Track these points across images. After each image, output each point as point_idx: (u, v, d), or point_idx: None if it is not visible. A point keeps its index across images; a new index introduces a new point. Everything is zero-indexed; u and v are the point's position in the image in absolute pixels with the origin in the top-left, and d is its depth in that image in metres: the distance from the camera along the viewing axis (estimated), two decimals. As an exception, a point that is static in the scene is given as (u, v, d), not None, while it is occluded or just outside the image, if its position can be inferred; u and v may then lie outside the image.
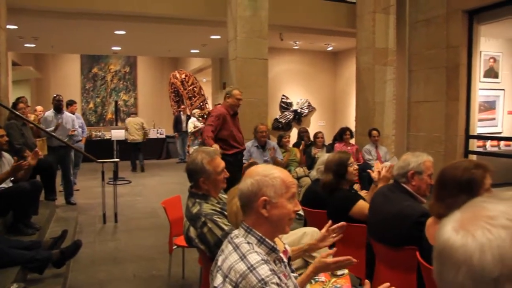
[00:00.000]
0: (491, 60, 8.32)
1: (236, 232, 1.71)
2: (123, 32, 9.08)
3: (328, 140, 7.96)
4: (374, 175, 3.31)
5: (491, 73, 8.34)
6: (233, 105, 5.33)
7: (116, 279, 4.16)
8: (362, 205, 3.04)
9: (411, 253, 2.32)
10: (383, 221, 2.60)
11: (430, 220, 2.20)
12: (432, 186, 2.44)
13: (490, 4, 6.64)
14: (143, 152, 11.14)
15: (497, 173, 7.01)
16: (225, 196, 2.69)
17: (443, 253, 0.72)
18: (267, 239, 1.65)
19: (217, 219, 2.43)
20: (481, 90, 7.64)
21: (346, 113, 11.26)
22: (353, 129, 7.44)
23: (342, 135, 7.06)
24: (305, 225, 3.71)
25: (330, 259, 2.10)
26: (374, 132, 6.70)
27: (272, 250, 1.66)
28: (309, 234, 2.79)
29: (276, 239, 1.85)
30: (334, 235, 2.25)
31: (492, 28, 7.53)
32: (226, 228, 2.38)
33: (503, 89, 8.66)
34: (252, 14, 6.28)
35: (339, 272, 2.41)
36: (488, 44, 8.15)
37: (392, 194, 2.68)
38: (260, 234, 1.64)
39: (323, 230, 2.26)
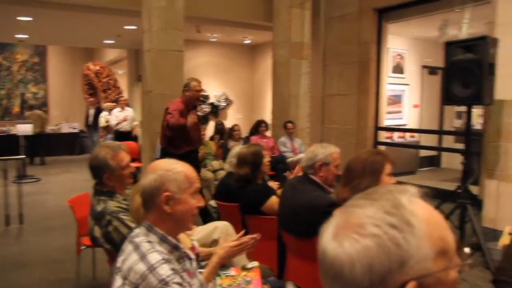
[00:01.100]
0: (398, 57, 8.81)
1: (137, 231, 1.64)
2: (29, 19, 8.48)
3: (245, 133, 8.02)
4: (291, 177, 3.36)
5: (398, 69, 8.84)
6: (192, 98, 5.01)
7: (18, 286, 3.88)
8: (274, 201, 3.07)
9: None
10: (293, 212, 2.64)
11: (338, 210, 2.26)
12: (339, 176, 2.52)
13: (397, 4, 7.03)
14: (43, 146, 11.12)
15: (403, 162, 7.44)
16: (132, 191, 2.60)
17: (322, 264, 0.71)
18: (169, 237, 1.60)
19: (123, 217, 2.34)
20: (389, 84, 8.08)
21: (262, 106, 11.41)
22: (269, 121, 7.54)
23: (257, 127, 7.13)
24: (218, 218, 3.70)
25: (233, 242, 2.09)
26: (289, 125, 6.83)
27: (175, 248, 1.62)
28: (220, 228, 2.77)
29: (183, 236, 1.82)
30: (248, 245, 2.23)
31: (399, 27, 7.96)
32: (132, 225, 2.29)
33: (408, 84, 9.21)
34: (167, 4, 6.12)
35: (249, 265, 2.41)
36: (396, 42, 8.62)
37: (301, 185, 2.73)
38: (162, 232, 1.59)
39: (235, 239, 2.22)
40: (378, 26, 7.40)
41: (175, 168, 1.62)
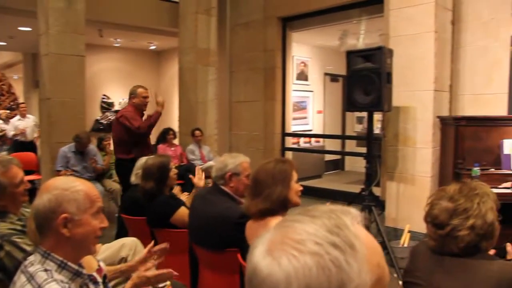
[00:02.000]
0: (302, 64, 9.08)
1: (31, 258, 1.46)
2: None
3: (152, 141, 7.77)
4: (196, 180, 3.27)
5: (302, 76, 9.11)
6: (140, 105, 4.87)
7: None
8: (184, 212, 2.96)
9: (233, 256, 2.33)
10: (204, 225, 2.56)
11: (250, 221, 2.23)
12: (250, 186, 2.49)
13: (300, 13, 7.24)
14: None
15: (310, 166, 7.63)
16: (29, 210, 2.35)
17: (252, 281, 0.65)
18: (69, 263, 1.45)
19: (17, 240, 2.09)
20: (294, 91, 8.30)
21: (169, 113, 11.12)
22: (176, 129, 7.38)
23: (165, 135, 6.95)
24: (124, 234, 3.50)
25: (150, 273, 1.99)
26: (197, 132, 6.74)
27: (77, 274, 1.46)
28: (128, 245, 2.61)
29: (88, 257, 1.66)
30: (155, 257, 2.13)
31: (302, 35, 8.21)
32: (28, 249, 2.06)
33: (312, 91, 9.54)
34: (66, 6, 5.74)
35: (160, 285, 2.29)
36: (300, 50, 8.88)
37: (211, 196, 2.66)
38: (61, 258, 1.43)
39: (145, 251, 2.12)
40: (283, 34, 7.57)
41: (74, 187, 1.47)
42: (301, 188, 2.26)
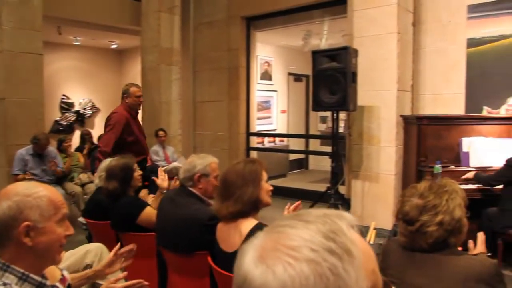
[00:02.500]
0: (266, 64, 9.11)
1: None
2: None
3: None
4: (159, 182, 3.20)
5: (266, 75, 9.14)
6: (134, 105, 4.64)
7: None
8: (150, 212, 2.90)
9: (203, 258, 2.29)
10: (172, 228, 2.51)
11: (221, 224, 2.19)
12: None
13: (264, 13, 7.25)
14: None
15: (274, 165, 7.66)
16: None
17: None
18: (31, 275, 1.36)
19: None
20: (259, 91, 8.31)
21: (133, 113, 10.97)
22: (140, 130, 7.24)
23: (129, 136, 6.81)
24: (89, 240, 3.39)
25: (120, 285, 1.92)
26: (161, 132, 6.64)
27: (40, 286, 1.38)
28: (92, 251, 2.52)
29: (50, 267, 1.58)
30: (123, 259, 2.07)
31: (266, 35, 8.23)
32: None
33: (276, 91, 9.58)
34: (21, 1, 5.52)
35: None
36: (264, 50, 8.90)
37: (180, 198, 2.61)
38: (22, 270, 1.34)
39: (111, 254, 2.04)
40: (247, 34, 7.56)
41: (36, 192, 1.38)
42: (271, 187, 2.25)
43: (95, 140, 7.44)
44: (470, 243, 2.00)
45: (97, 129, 9.93)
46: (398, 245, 1.77)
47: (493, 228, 3.85)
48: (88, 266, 2.41)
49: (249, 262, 0.61)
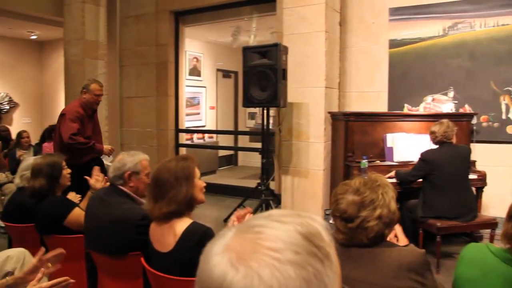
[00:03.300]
0: (195, 60, 9.01)
1: None
2: None
3: (36, 139, 7.18)
4: (92, 182, 3.04)
5: (195, 71, 9.04)
6: (91, 103, 4.38)
7: None
8: (79, 213, 2.75)
9: (136, 260, 2.21)
10: (102, 229, 2.39)
11: (154, 223, 2.12)
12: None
13: (192, 8, 7.15)
14: None
15: (204, 162, 7.60)
16: None
17: None
18: None
19: None
20: (187, 87, 8.21)
21: (55, 109, 10.36)
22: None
23: (50, 133, 6.44)
24: (9, 245, 3.16)
25: (44, 284, 1.80)
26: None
27: None
28: (14, 257, 2.34)
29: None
30: (49, 265, 1.94)
31: (195, 30, 8.14)
32: None
33: (205, 87, 9.51)
34: None
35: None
36: (192, 45, 8.80)
37: (110, 198, 2.49)
38: None
39: (34, 260, 1.90)
40: (175, 29, 7.43)
41: None
42: (204, 184, 2.22)
43: (14, 137, 6.96)
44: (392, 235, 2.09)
45: (15, 126, 9.34)
46: (333, 241, 1.79)
47: (414, 218, 4.07)
48: (9, 273, 2.24)
49: (224, 264, 0.56)
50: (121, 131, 7.90)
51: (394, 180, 4.22)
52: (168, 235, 2.01)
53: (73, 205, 2.85)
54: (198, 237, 1.96)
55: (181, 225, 2.00)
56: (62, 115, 4.37)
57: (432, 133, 4.01)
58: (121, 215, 2.37)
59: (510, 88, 4.89)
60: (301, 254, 0.56)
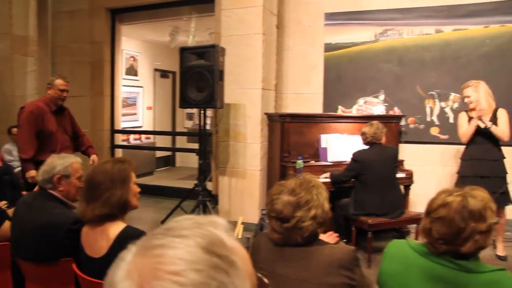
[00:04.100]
0: (132, 59, 8.83)
1: None
2: None
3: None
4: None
5: (132, 71, 8.86)
6: (55, 98, 4.15)
7: None
8: (8, 226, 2.58)
9: (67, 266, 2.13)
10: (30, 236, 2.26)
11: (86, 228, 2.06)
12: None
13: (129, 6, 7.01)
14: None
15: (141, 163, 7.46)
16: None
17: None
18: None
19: None
20: (124, 86, 8.02)
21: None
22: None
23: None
24: None
25: None
26: (14, 130, 6.02)
27: None
28: None
29: None
30: None
31: (132, 29, 7.97)
32: None
33: (142, 87, 9.34)
34: None
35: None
36: (129, 44, 8.61)
37: (38, 203, 2.38)
38: None
39: None
40: (111, 27, 7.24)
41: None
42: (139, 189, 2.18)
43: None
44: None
45: None
46: (268, 240, 1.83)
47: (346, 216, 4.23)
48: None
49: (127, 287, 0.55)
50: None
51: (328, 180, 4.36)
52: (100, 239, 1.96)
53: (3, 218, 2.67)
54: (132, 242, 1.92)
55: (115, 229, 1.96)
56: (22, 108, 4.20)
57: (363, 134, 4.18)
58: (51, 220, 2.27)
59: (433, 93, 5.21)
60: (204, 271, 0.55)
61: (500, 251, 4.28)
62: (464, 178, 4.20)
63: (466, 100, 4.21)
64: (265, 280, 1.38)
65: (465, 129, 4.21)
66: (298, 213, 1.70)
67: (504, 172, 4.08)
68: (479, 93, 4.11)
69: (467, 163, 4.24)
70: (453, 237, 1.53)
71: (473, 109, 4.17)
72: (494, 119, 4.09)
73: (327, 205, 1.78)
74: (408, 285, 1.61)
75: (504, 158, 4.12)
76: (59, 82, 4.31)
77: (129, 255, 0.60)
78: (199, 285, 0.54)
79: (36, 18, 6.54)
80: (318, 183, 1.83)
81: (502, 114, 4.10)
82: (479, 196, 1.57)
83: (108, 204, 1.96)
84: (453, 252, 1.55)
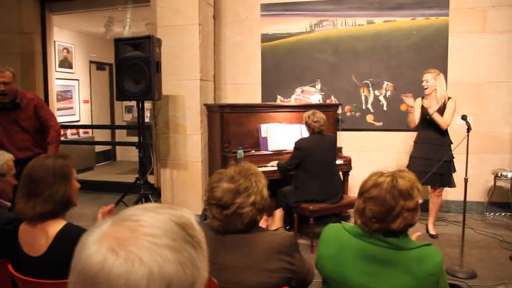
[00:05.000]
0: (65, 51, 8.49)
1: None
2: None
3: None
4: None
5: (66, 63, 8.53)
6: None
7: None
8: None
9: (3, 267, 2.05)
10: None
11: (24, 226, 2.00)
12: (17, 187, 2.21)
13: (60, -5, 6.73)
14: None
15: (80, 159, 7.23)
16: None
17: (97, 281, 0.56)
18: None
19: None
20: (58, 79, 7.72)
21: None
22: None
23: None
24: None
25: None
26: None
27: None
28: None
29: None
30: None
31: (65, 19, 7.67)
32: None
33: (77, 79, 9.02)
34: None
35: None
36: (62, 35, 8.28)
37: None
38: None
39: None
40: (41, 16, 6.92)
41: None
42: (79, 185, 2.13)
43: None
44: (265, 218, 2.23)
45: None
46: (209, 229, 1.85)
47: (287, 203, 4.33)
48: None
49: (104, 251, 0.57)
50: None
51: (270, 168, 4.45)
52: (39, 238, 1.91)
53: None
54: (73, 240, 1.88)
55: (54, 227, 1.91)
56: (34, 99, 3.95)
57: (309, 124, 4.27)
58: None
59: (367, 81, 5.41)
60: (177, 240, 0.60)
61: (432, 230, 4.55)
62: (413, 159, 4.49)
63: (423, 84, 4.41)
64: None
65: (412, 115, 4.50)
66: (238, 200, 1.73)
67: (449, 157, 4.26)
68: (436, 82, 4.34)
69: (417, 146, 4.51)
70: (385, 215, 1.62)
71: (428, 95, 4.40)
72: (443, 109, 4.33)
73: (266, 192, 1.83)
74: (344, 266, 1.69)
75: (451, 143, 4.34)
76: None
77: (105, 224, 0.62)
78: (173, 250, 0.58)
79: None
80: (256, 171, 1.87)
81: (450, 104, 4.34)
82: (406, 177, 1.68)
83: (51, 201, 1.89)
84: (384, 230, 1.64)
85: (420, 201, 1.72)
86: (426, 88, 4.39)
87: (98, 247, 0.58)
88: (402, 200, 1.62)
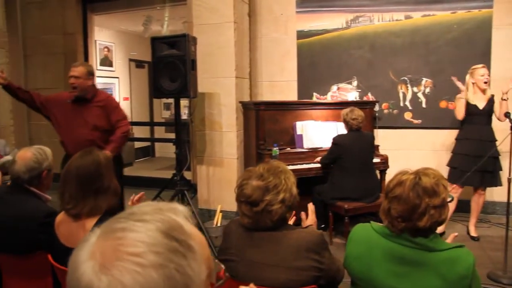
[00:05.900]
0: (106, 49, 8.72)
1: None
2: None
3: None
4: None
5: (106, 61, 8.76)
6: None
7: None
8: None
9: (43, 258, 2.14)
10: (4, 228, 2.29)
11: (59, 217, 2.08)
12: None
13: (102, -4, 6.91)
14: None
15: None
16: None
17: None
18: None
19: None
20: (99, 77, 7.93)
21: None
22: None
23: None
24: None
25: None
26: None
27: None
28: None
29: None
30: None
31: (105, 19, 7.87)
32: None
33: (117, 77, 9.25)
34: None
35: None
36: (103, 34, 8.51)
37: (11, 196, 2.39)
38: None
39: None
40: (83, 17, 7.13)
41: None
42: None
43: None
44: (302, 214, 2.23)
45: None
46: (238, 226, 1.88)
47: (323, 201, 4.31)
48: None
49: (90, 272, 0.58)
50: (29, 124, 7.48)
51: (304, 166, 4.47)
52: (77, 229, 1.98)
53: None
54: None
55: (91, 219, 1.99)
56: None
57: (343, 120, 4.24)
58: (24, 213, 2.29)
59: (405, 78, 5.29)
60: (162, 253, 0.59)
61: (473, 232, 4.41)
62: (457, 156, 4.33)
63: (483, 78, 4.22)
64: (222, 266, 1.42)
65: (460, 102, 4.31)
66: (267, 197, 1.74)
67: (497, 152, 4.08)
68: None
69: (463, 142, 4.32)
70: (410, 214, 1.60)
71: (483, 89, 4.24)
72: (491, 103, 4.21)
73: (295, 190, 1.84)
74: (371, 266, 1.68)
75: (496, 140, 4.16)
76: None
77: (93, 237, 0.62)
78: (157, 267, 0.57)
79: (3, 9, 6.40)
80: (285, 168, 1.87)
81: (496, 99, 4.21)
82: (431, 174, 1.65)
83: (108, 195, 2.03)
84: (411, 229, 1.62)
85: (449, 199, 1.68)
86: (486, 82, 4.22)
87: (85, 268, 0.59)
88: (427, 197, 1.59)
